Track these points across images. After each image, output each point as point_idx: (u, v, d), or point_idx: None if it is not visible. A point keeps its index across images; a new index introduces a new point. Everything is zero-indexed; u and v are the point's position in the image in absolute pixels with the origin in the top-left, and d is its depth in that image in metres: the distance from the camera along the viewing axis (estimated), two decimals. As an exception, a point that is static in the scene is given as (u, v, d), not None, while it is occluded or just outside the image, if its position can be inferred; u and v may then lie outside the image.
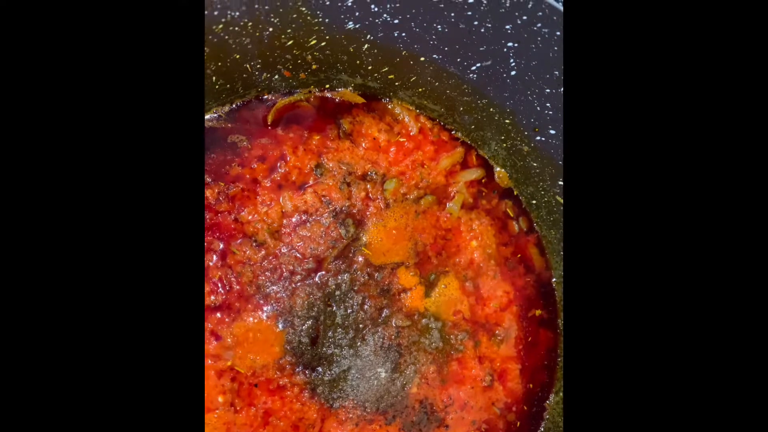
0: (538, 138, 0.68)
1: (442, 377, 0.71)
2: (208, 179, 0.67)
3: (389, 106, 0.75)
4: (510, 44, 0.57)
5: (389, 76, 0.69)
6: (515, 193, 0.78)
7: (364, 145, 0.72)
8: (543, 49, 0.55)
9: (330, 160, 0.71)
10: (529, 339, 0.76)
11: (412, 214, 0.73)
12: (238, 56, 0.59)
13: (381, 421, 0.68)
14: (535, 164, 0.72)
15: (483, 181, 0.76)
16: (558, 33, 0.52)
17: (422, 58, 0.65)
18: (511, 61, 0.59)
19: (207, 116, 0.68)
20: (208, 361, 0.65)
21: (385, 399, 0.69)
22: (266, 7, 0.53)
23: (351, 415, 0.68)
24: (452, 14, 0.55)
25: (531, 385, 0.75)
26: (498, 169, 0.77)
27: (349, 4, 0.56)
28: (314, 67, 0.66)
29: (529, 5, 0.50)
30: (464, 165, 0.76)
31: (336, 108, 0.73)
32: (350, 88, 0.72)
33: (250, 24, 0.55)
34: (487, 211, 0.76)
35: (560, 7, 0.49)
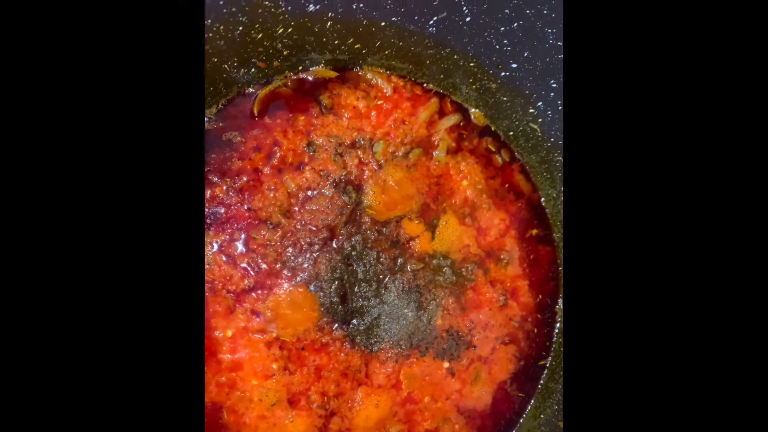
0: (503, 74, 0.74)
1: (461, 306, 0.79)
2: (214, 178, 0.73)
3: (361, 74, 0.79)
4: (460, -6, 0.62)
5: (356, 46, 0.74)
6: (493, 129, 0.83)
7: (346, 115, 0.78)
8: (490, -8, 0.60)
9: (319, 136, 0.76)
10: (531, 256, 0.84)
11: (404, 169, 0.79)
12: (215, 59, 0.63)
13: (416, 354, 0.77)
14: (504, 98, 0.78)
15: (461, 124, 0.82)
16: (500, -25, 0.57)
17: (383, 23, 0.69)
18: (464, 8, 0.64)
19: (199, 121, 0.73)
20: (256, 336, 0.73)
21: (415, 335, 0.77)
22: (233, 8, 0.57)
23: (390, 354, 0.77)
24: (402, -22, 0.60)
25: (540, 296, 0.84)
26: (473, 110, 0.83)
27: (307, -11, 0.60)
28: (285, 53, 0.70)
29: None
30: (441, 113, 0.81)
31: (312, 86, 0.78)
32: (321, 65, 0.77)
33: (221, 27, 0.59)
34: (470, 151, 0.83)
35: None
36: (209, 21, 0.57)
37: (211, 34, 0.60)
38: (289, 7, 0.62)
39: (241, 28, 0.61)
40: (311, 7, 0.63)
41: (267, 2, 0.60)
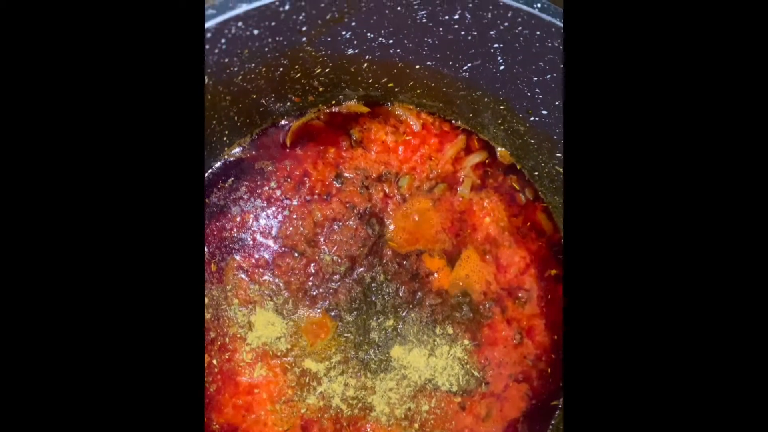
0: (533, 119, 0.75)
1: (477, 342, 0.80)
2: (245, 205, 0.75)
3: (391, 109, 0.81)
4: (495, 45, 0.63)
5: (389, 85, 0.75)
6: (518, 167, 0.84)
7: (374, 149, 0.79)
8: (526, 46, 0.61)
9: (347, 168, 0.78)
10: (549, 296, 0.85)
11: (428, 204, 0.80)
12: (254, 96, 0.66)
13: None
14: (532, 141, 0.79)
15: (487, 161, 0.83)
16: (537, 32, 0.58)
17: (417, 66, 0.71)
18: (499, 58, 0.65)
19: (233, 151, 0.76)
20: (274, 361, 0.75)
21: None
22: (276, 54, 0.59)
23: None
24: (440, 29, 0.61)
25: (556, 336, 0.84)
26: (499, 149, 0.84)
27: (348, 36, 0.62)
28: (320, 89, 0.73)
29: (509, 14, 0.56)
30: (468, 150, 0.83)
31: (344, 120, 0.80)
32: (354, 100, 0.79)
33: (263, 69, 0.62)
34: (494, 188, 0.84)
35: (536, 12, 0.55)
36: (253, 65, 0.60)
37: (253, 75, 0.62)
38: (329, 51, 0.64)
39: (281, 69, 0.64)
40: (350, 51, 0.65)
41: (308, 47, 0.62)
